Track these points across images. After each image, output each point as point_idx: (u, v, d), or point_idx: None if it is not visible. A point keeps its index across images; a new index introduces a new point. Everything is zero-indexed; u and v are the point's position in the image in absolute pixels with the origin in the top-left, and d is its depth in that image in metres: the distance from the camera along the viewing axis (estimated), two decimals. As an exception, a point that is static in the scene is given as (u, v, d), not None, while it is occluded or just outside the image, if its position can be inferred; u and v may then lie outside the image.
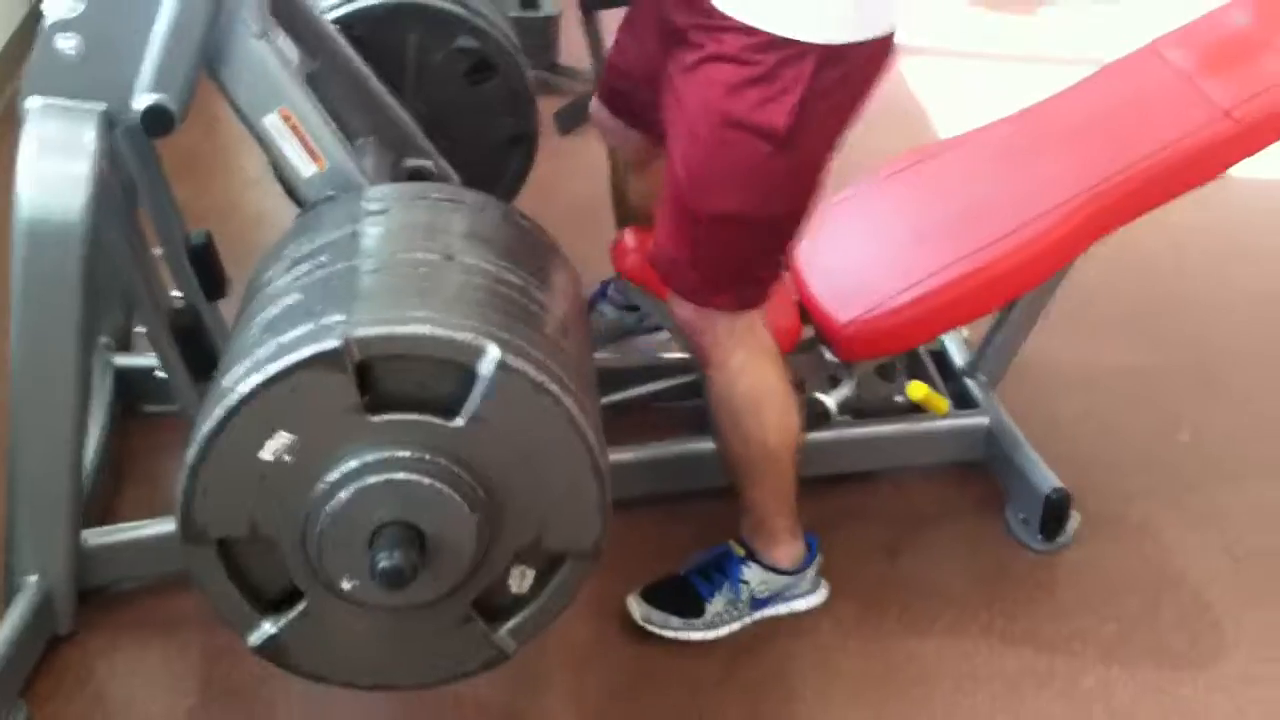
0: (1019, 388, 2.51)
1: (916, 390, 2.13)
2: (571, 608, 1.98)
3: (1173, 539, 2.27)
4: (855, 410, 2.31)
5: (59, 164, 1.78)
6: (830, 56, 1.69)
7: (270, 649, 1.58)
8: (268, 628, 1.57)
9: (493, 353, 1.43)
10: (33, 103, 1.79)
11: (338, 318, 1.44)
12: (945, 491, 2.37)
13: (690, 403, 2.40)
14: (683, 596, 2.07)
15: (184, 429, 1.56)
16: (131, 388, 2.42)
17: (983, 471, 2.38)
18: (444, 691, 1.90)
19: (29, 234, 1.78)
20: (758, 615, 2.09)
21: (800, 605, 2.11)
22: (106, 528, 2.08)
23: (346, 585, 1.50)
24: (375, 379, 1.45)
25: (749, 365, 1.89)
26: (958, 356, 2.50)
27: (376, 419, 1.45)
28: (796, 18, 1.68)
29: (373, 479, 1.46)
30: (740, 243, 1.83)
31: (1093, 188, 2.08)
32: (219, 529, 1.50)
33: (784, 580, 2.08)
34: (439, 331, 1.43)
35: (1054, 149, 2.23)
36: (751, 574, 2.06)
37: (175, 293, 2.22)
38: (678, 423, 2.37)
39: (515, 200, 2.53)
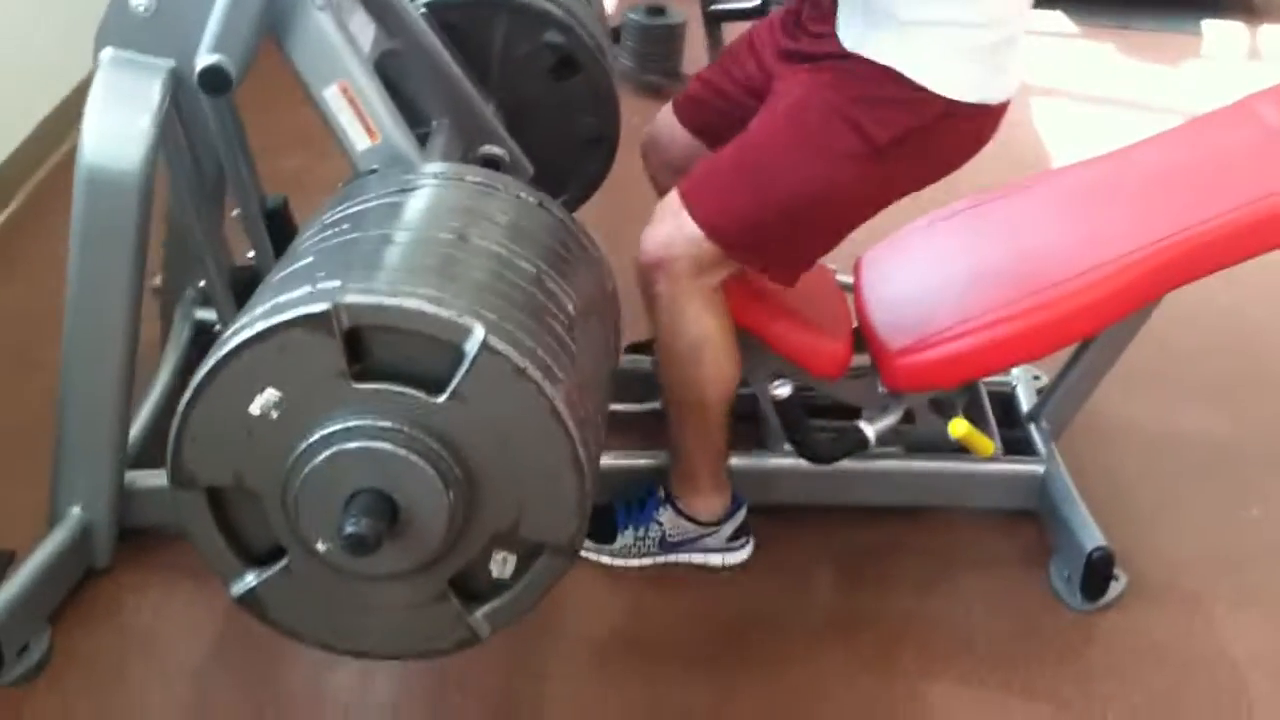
0: (1084, 440, 2.44)
1: (957, 427, 2.07)
2: (577, 601, 2.02)
3: (1220, 615, 2.17)
4: (908, 443, 2.26)
5: (123, 115, 1.85)
6: (952, 110, 1.84)
7: (250, 600, 1.61)
8: (250, 579, 1.60)
9: (478, 333, 1.44)
10: (104, 55, 1.86)
11: (334, 283, 1.46)
12: (991, 536, 2.30)
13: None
14: (601, 521, 2.17)
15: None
16: (207, 338, 2.48)
17: (1035, 522, 2.31)
18: (443, 674, 1.93)
19: (88, 181, 1.85)
20: (669, 558, 2.18)
21: (714, 559, 2.19)
22: (157, 471, 2.13)
23: (320, 547, 1.52)
24: (366, 347, 1.47)
25: (701, 316, 1.91)
26: (1024, 401, 2.43)
27: (361, 386, 1.47)
28: (935, 72, 1.82)
29: (351, 444, 1.47)
30: (791, 215, 1.90)
31: (1162, 238, 2.00)
32: (206, 476, 1.54)
33: (696, 529, 2.16)
34: (426, 307, 1.44)
35: (1131, 196, 2.16)
36: (666, 516, 2.16)
37: (250, 254, 2.29)
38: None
39: (592, 198, 2.54)
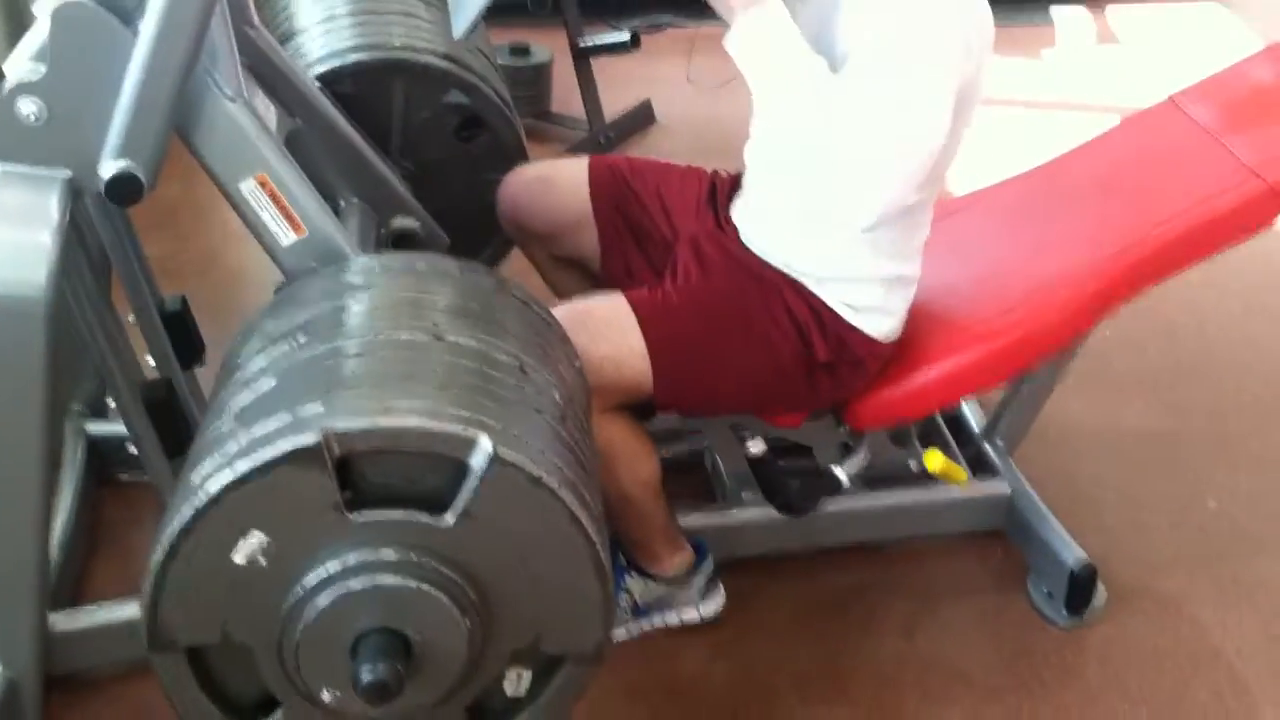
0: (1036, 451, 2.41)
1: (934, 460, 2.02)
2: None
3: (1206, 615, 2.15)
4: (868, 479, 2.19)
5: (20, 234, 1.67)
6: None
7: (244, 762, 1.46)
8: (242, 739, 1.45)
9: (484, 445, 1.32)
10: (-9, 171, 1.68)
11: (316, 409, 1.33)
12: (964, 563, 2.25)
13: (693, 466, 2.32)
14: None
15: (161, 500, 1.44)
16: (105, 456, 2.31)
17: (1002, 540, 2.27)
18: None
19: (-10, 311, 1.67)
20: (645, 624, 2.09)
21: (690, 615, 2.09)
22: (75, 610, 1.96)
23: (327, 697, 1.39)
24: (357, 474, 1.34)
25: (602, 427, 1.82)
26: (974, 420, 2.39)
27: (358, 517, 1.34)
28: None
29: (355, 583, 1.34)
30: (734, 396, 1.95)
31: (1114, 253, 1.97)
32: (188, 636, 1.39)
33: (665, 589, 2.07)
34: (426, 423, 1.32)
35: (1072, 209, 2.13)
36: (633, 583, 2.07)
37: (149, 359, 2.12)
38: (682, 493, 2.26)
39: (509, 260, 2.43)
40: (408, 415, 1.32)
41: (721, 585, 2.11)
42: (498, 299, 1.63)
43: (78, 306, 1.90)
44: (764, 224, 1.92)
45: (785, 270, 1.88)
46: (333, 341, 1.47)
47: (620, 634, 2.08)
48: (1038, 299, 1.99)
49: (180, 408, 2.00)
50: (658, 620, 2.09)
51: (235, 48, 1.73)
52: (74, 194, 1.71)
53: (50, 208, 1.68)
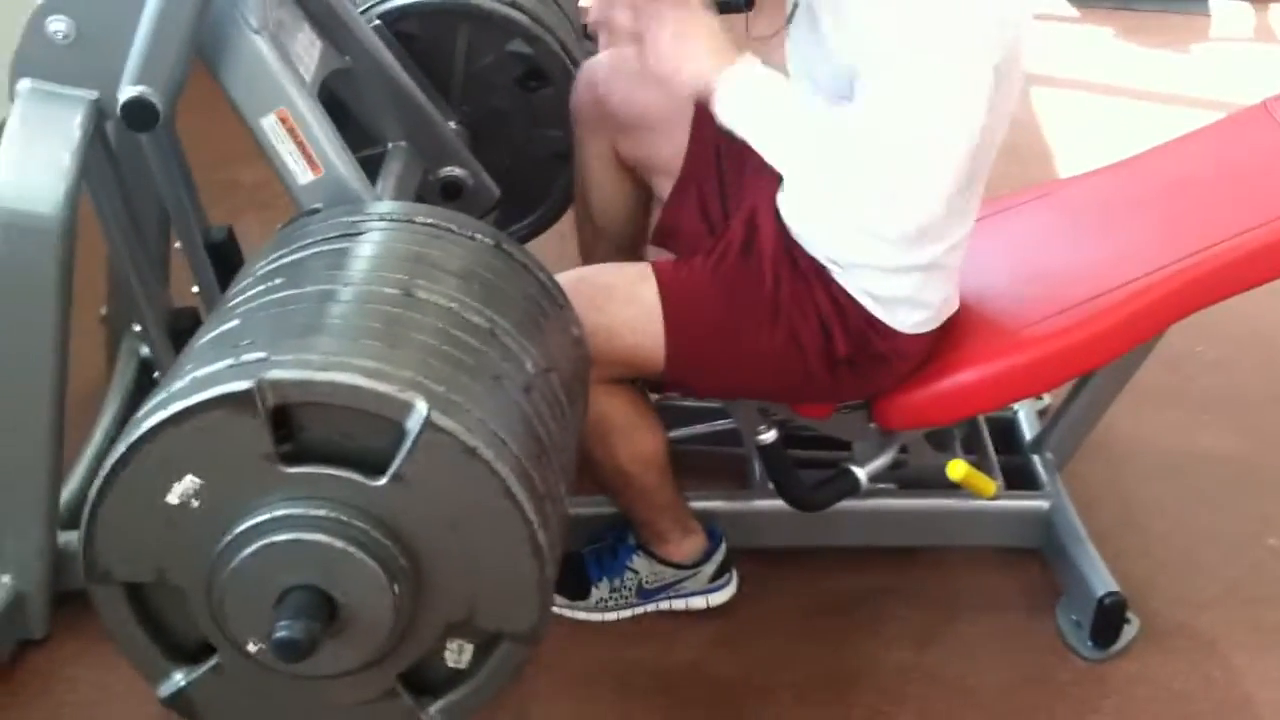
0: (1091, 467, 2.29)
1: (956, 469, 1.91)
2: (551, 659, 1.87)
3: (1242, 660, 2.02)
4: (903, 480, 2.11)
5: (40, 152, 1.69)
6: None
7: (179, 701, 1.46)
8: (178, 679, 1.46)
9: (420, 409, 1.28)
10: (22, 85, 1.70)
11: (258, 355, 1.31)
12: (992, 578, 2.15)
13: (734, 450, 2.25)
14: (572, 576, 2.02)
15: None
16: (156, 378, 2.33)
17: (1039, 560, 2.16)
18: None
19: (4, 225, 1.69)
20: (649, 606, 2.04)
21: (697, 602, 2.04)
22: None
23: (252, 648, 1.37)
24: (296, 427, 1.32)
25: (599, 394, 1.76)
26: (1027, 430, 2.28)
27: (292, 469, 1.32)
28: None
29: (281, 536, 1.32)
30: (747, 382, 1.89)
31: (1178, 261, 1.84)
32: (124, 572, 1.39)
33: (674, 573, 2.01)
34: (362, 381, 1.29)
35: (1146, 211, 2.00)
36: (640, 563, 2.02)
37: (195, 288, 2.14)
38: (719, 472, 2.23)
39: (559, 219, 2.39)
40: (345, 371, 1.29)
41: (735, 574, 2.06)
42: (491, 259, 1.59)
43: (106, 231, 1.92)
44: (798, 206, 1.84)
45: (813, 254, 1.80)
46: (302, 287, 1.45)
47: (625, 615, 2.05)
48: (1089, 305, 1.87)
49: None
50: (663, 604, 2.04)
51: (264, -22, 1.71)
52: (103, 115, 1.73)
53: (73, 127, 1.69)
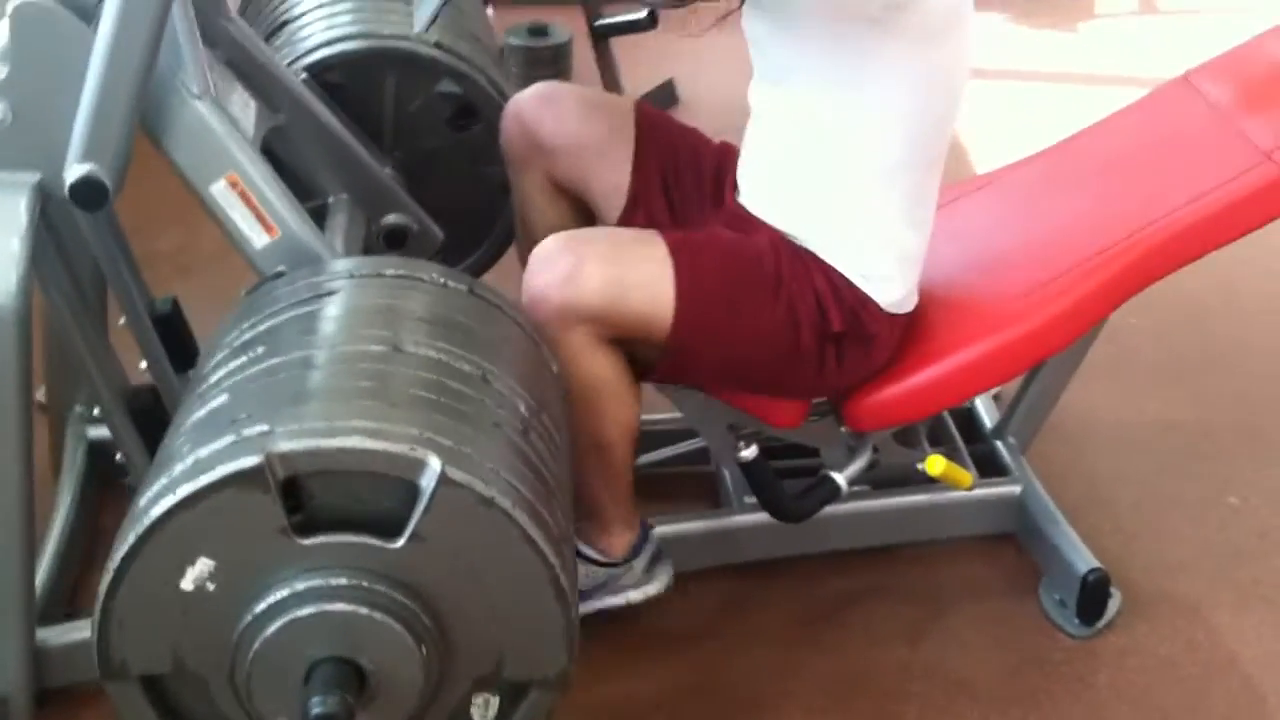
0: (1051, 447, 2.33)
1: (935, 465, 1.93)
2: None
3: (1223, 620, 2.07)
4: (875, 480, 2.12)
5: (-11, 241, 1.64)
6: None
7: (205, 789, 1.42)
8: (201, 766, 1.42)
9: (434, 465, 1.27)
10: (-40, 175, 1.65)
11: (260, 428, 1.29)
12: (972, 567, 2.17)
13: (701, 468, 2.26)
14: None
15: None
16: (106, 460, 2.26)
17: (1014, 544, 2.19)
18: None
19: (-42, 317, 1.63)
20: (588, 607, 1.95)
21: (635, 596, 2.00)
22: (68, 625, 1.91)
23: (281, 727, 1.34)
24: (306, 496, 1.30)
25: (583, 353, 1.76)
26: (986, 418, 2.31)
27: (307, 541, 1.29)
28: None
29: (305, 610, 1.30)
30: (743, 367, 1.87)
31: (1122, 241, 1.88)
32: (140, 665, 1.35)
33: (607, 571, 1.98)
34: (372, 444, 1.27)
35: (1081, 194, 2.04)
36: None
37: (143, 365, 2.08)
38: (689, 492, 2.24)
39: (502, 255, 2.37)
40: (353, 435, 1.27)
41: (669, 562, 2.02)
42: (467, 305, 1.58)
43: (56, 312, 1.87)
44: (771, 192, 1.86)
45: (796, 241, 1.82)
46: (287, 354, 1.42)
47: None
48: (1044, 291, 1.90)
49: (166, 415, 1.95)
50: (597, 604, 1.99)
51: (200, 43, 1.68)
52: (47, 197, 1.68)
53: (19, 212, 1.64)
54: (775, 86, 1.83)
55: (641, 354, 1.82)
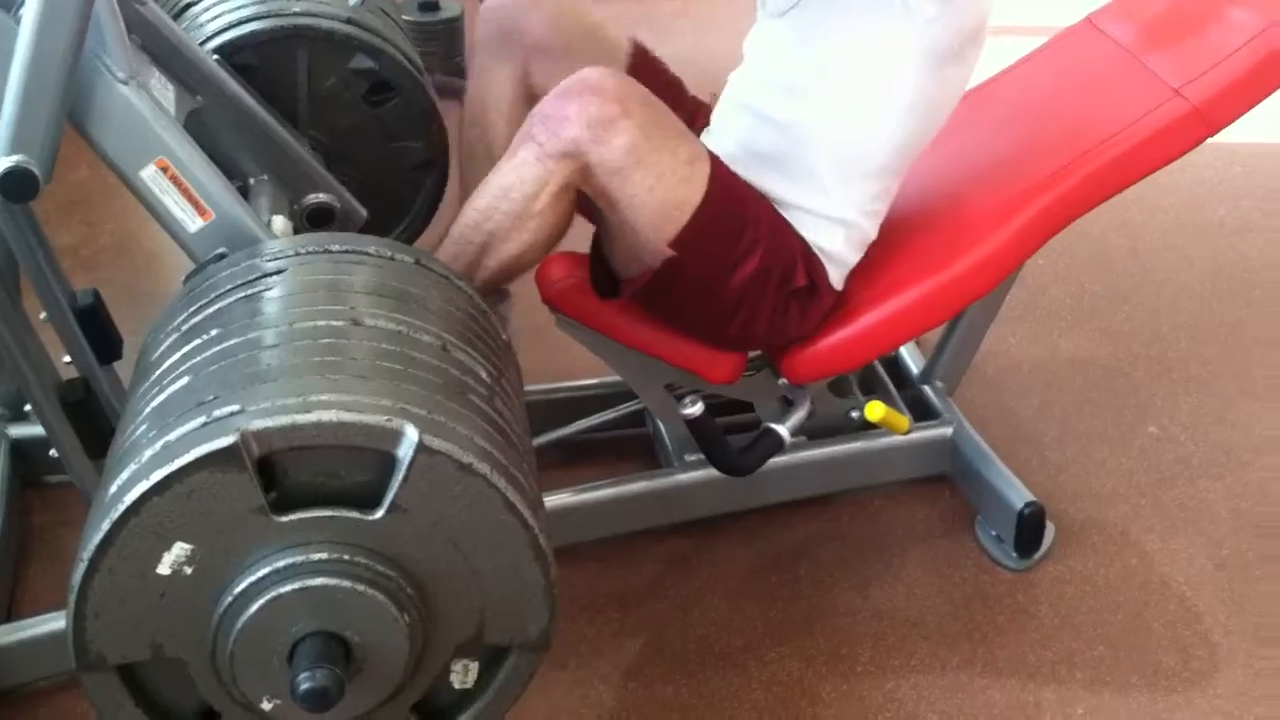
0: (977, 390, 2.41)
1: (875, 410, 1.97)
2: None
3: (1153, 544, 2.14)
4: (811, 431, 2.16)
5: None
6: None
7: (186, 777, 1.41)
8: (182, 754, 1.40)
9: (411, 435, 1.27)
10: (-122, 169, 1.59)
11: (231, 408, 1.27)
12: (911, 510, 2.22)
13: (635, 431, 2.27)
14: None
15: (88, 503, 1.37)
16: (31, 459, 2.21)
17: (948, 484, 2.24)
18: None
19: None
20: None
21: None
22: (9, 625, 1.89)
23: (267, 706, 1.33)
24: (281, 473, 1.28)
25: (553, 184, 1.70)
26: (912, 363, 2.36)
27: (285, 518, 1.28)
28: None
29: (286, 587, 1.29)
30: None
31: (1041, 183, 1.92)
32: (118, 654, 1.33)
33: None
34: (348, 416, 1.26)
35: (995, 141, 2.08)
36: None
37: (66, 358, 2.03)
38: (625, 455, 2.26)
39: (429, 227, 2.36)
40: (328, 409, 1.26)
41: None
42: (417, 276, 1.57)
43: (-20, 308, 1.82)
44: (752, 151, 1.88)
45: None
46: (246, 334, 1.40)
47: None
48: (965, 238, 1.94)
49: (99, 407, 1.91)
50: None
51: (124, 27, 1.65)
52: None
53: (-58, 206, 1.60)
54: (798, 50, 1.84)
55: (616, 258, 1.81)
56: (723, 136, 1.92)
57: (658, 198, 1.70)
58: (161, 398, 1.37)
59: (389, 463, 1.28)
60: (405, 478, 1.28)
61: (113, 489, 1.28)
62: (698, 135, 1.92)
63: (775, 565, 2.12)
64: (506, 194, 1.73)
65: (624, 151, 1.66)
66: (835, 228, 1.86)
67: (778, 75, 1.86)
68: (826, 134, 1.82)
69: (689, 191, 1.72)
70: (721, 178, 1.76)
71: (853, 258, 1.91)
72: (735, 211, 1.79)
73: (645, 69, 2.00)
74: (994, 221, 1.94)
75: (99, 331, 1.95)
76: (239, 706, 1.35)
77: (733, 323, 1.86)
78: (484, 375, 1.46)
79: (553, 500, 2.06)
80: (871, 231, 1.92)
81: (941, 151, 2.15)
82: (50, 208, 1.75)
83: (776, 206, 1.85)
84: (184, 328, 1.49)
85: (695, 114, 2.01)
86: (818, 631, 2.00)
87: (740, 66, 1.95)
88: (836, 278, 1.90)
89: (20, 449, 2.20)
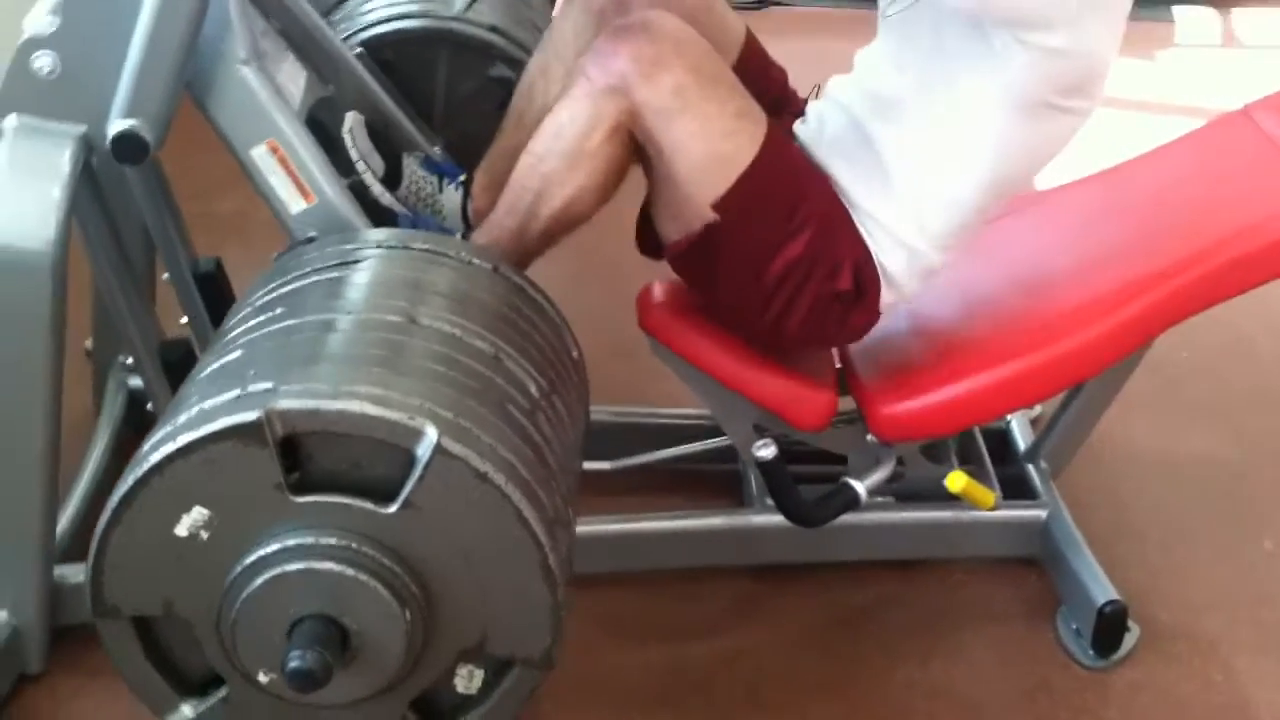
0: (1088, 475, 2.30)
1: (956, 481, 1.91)
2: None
3: (1243, 664, 2.02)
4: (900, 493, 2.11)
5: (30, 188, 1.67)
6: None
7: (188, 736, 1.45)
8: (186, 712, 1.44)
9: (430, 435, 1.28)
10: (9, 122, 1.69)
11: (265, 385, 1.31)
12: (992, 587, 2.15)
13: (729, 467, 2.25)
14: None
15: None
16: (143, 409, 2.30)
17: (1037, 569, 2.16)
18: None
19: (-6, 263, 1.67)
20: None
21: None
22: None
23: (264, 679, 1.36)
24: (305, 456, 1.31)
25: (603, 125, 1.68)
26: (1020, 439, 2.28)
27: (302, 499, 1.31)
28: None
29: (293, 566, 1.32)
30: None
31: (1167, 269, 1.85)
32: (132, 605, 1.38)
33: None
34: (371, 410, 1.28)
35: (1129, 220, 2.01)
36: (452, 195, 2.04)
37: (184, 320, 2.12)
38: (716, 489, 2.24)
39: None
40: (354, 399, 1.28)
41: None
42: (490, 283, 1.59)
43: (95, 264, 1.91)
44: (842, 146, 1.84)
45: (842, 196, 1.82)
46: (305, 316, 1.45)
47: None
48: (1083, 313, 1.88)
49: (198, 369, 1.99)
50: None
51: (249, 10, 1.71)
52: (91, 150, 1.72)
53: (62, 162, 1.68)
54: (897, 73, 1.81)
55: (660, 216, 1.80)
56: (811, 122, 1.88)
57: (702, 147, 1.68)
58: (215, 366, 1.42)
59: (410, 460, 1.30)
60: (421, 476, 1.29)
61: (145, 447, 1.32)
62: (790, 123, 1.90)
63: (840, 622, 2.07)
64: (559, 133, 1.72)
65: (671, 92, 1.65)
66: (900, 249, 1.80)
67: (878, 87, 1.82)
68: (912, 155, 1.77)
69: (736, 149, 1.69)
70: (777, 145, 1.73)
71: (910, 285, 1.84)
72: (788, 185, 1.75)
73: (755, 56, 1.97)
74: (1117, 299, 1.87)
75: (216, 298, 2.03)
76: (240, 675, 1.38)
77: (768, 310, 1.80)
78: (532, 389, 1.47)
79: (625, 525, 2.07)
80: (937, 264, 1.84)
81: (1072, 219, 2.10)
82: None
83: (846, 204, 1.80)
84: (258, 303, 1.54)
85: (794, 103, 1.97)
86: (872, 699, 1.95)
87: (849, 74, 1.92)
88: (888, 300, 1.84)
89: (136, 399, 2.29)
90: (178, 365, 1.96)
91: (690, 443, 2.23)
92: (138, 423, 2.30)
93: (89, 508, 2.08)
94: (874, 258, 1.81)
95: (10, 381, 1.72)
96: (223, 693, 1.42)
